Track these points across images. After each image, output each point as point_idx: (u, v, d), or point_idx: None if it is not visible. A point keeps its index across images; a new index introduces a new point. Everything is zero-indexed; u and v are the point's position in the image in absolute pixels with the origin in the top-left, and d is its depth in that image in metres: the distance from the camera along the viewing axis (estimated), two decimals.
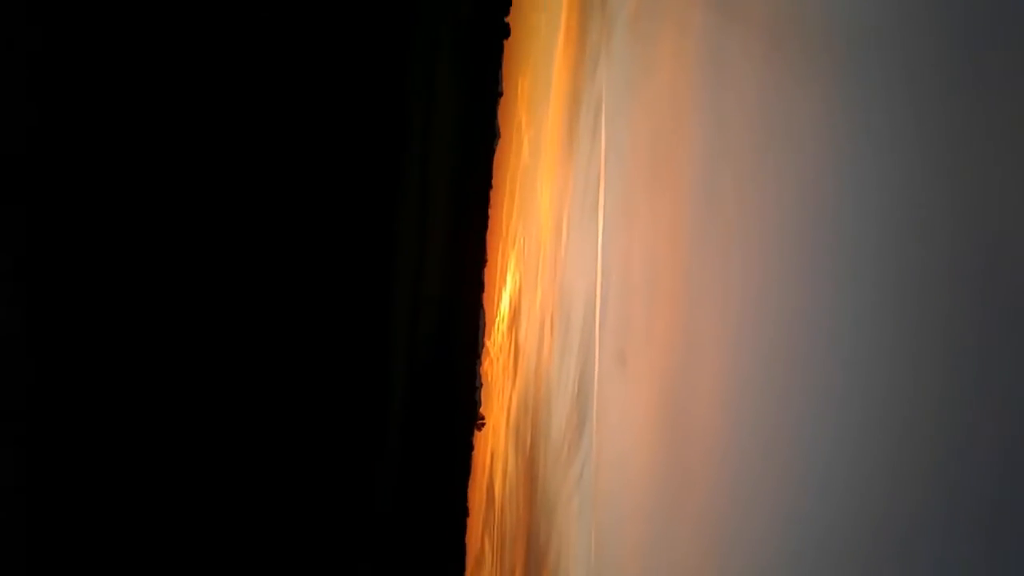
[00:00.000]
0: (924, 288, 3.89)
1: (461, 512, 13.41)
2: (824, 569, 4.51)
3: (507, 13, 12.08)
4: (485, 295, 12.98)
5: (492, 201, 12.79)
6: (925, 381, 3.81)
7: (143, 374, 8.27)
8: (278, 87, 9.55)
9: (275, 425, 9.89)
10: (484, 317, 13.00)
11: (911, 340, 4.00)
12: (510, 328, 12.94)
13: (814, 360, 5.00)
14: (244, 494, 9.49)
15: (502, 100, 12.60)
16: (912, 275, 4.00)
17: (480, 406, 13.19)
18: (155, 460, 8.25)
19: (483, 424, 13.20)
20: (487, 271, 12.88)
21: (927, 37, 4.12)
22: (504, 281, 13.19)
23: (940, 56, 3.99)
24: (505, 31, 12.12)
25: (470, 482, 13.30)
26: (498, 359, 13.26)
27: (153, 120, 8.29)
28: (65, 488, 7.47)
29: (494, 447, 13.20)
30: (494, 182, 12.75)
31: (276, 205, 9.79)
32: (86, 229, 7.98)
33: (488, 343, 13.33)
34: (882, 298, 4.24)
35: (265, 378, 9.72)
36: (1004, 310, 3.39)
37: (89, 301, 7.83)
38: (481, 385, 13.15)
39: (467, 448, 13.10)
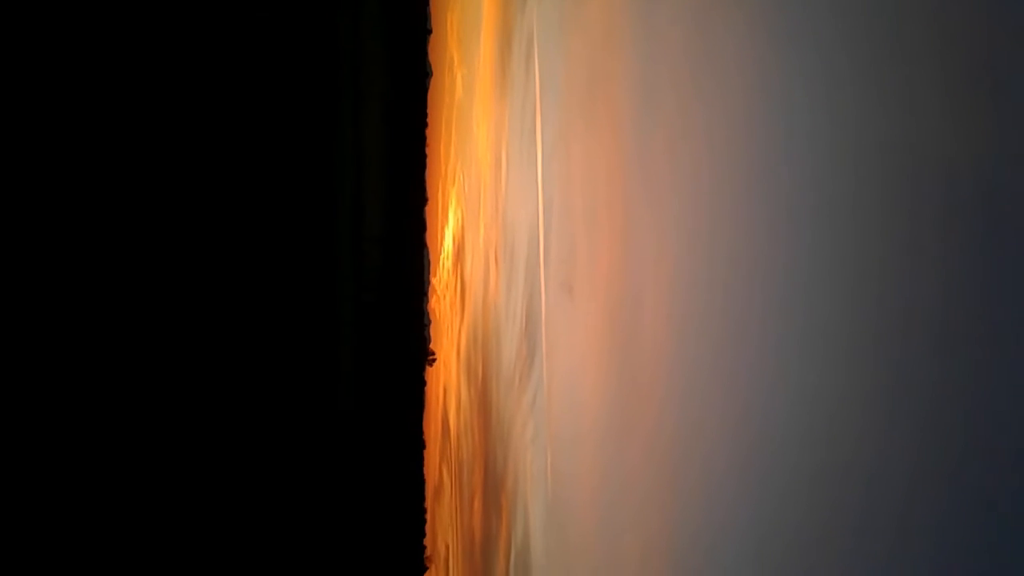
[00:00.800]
0: (855, 213, 4.06)
1: (418, 445, 13.64)
2: (775, 476, 4.73)
3: None
4: (428, 233, 13.01)
5: (428, 140, 12.72)
6: (855, 293, 4.02)
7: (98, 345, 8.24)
8: (210, 39, 9.35)
9: (228, 373, 9.93)
10: (428, 255, 13.05)
11: (840, 252, 4.18)
12: (455, 265, 13.03)
13: (753, 274, 5.16)
14: (203, 446, 9.57)
15: (432, 38, 12.45)
16: (843, 199, 4.18)
17: (430, 342, 13.33)
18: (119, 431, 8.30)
19: (434, 359, 13.36)
20: (428, 209, 12.89)
21: None
22: (446, 218, 13.23)
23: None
24: None
25: (425, 416, 13.51)
26: (445, 296, 13.38)
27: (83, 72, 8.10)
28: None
29: (446, 381, 13.39)
30: (429, 120, 12.65)
31: (215, 151, 9.66)
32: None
33: (434, 281, 13.42)
34: (817, 217, 4.41)
35: (213, 323, 9.72)
36: (921, 228, 3.62)
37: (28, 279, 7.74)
38: (430, 322, 13.28)
39: (420, 383, 13.28)
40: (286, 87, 10.46)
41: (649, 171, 6.99)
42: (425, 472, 13.79)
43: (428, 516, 13.69)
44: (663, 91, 6.73)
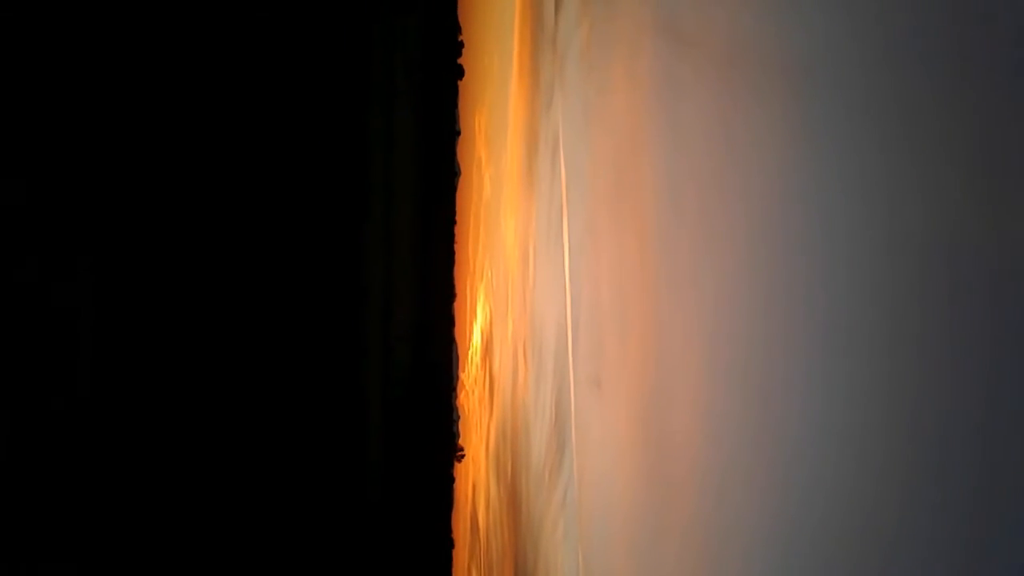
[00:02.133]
0: (896, 297, 4.05)
1: (447, 544, 13.42)
2: (813, 560, 4.63)
3: (459, 55, 12.36)
4: (456, 329, 13.10)
5: (457, 237, 12.96)
6: (902, 379, 3.98)
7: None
8: (240, 140, 9.67)
9: (256, 470, 9.89)
10: (457, 351, 13.11)
11: (886, 344, 4.15)
12: (483, 360, 13.05)
13: (790, 370, 5.13)
14: (228, 549, 9.46)
15: (460, 139, 12.83)
16: (884, 284, 4.18)
17: (459, 438, 13.26)
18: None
19: (463, 455, 13.26)
20: (457, 305, 13.01)
21: (881, 54, 4.34)
22: (475, 314, 13.33)
23: (895, 71, 4.23)
24: (459, 72, 12.40)
25: (454, 514, 13.33)
26: (473, 391, 13.36)
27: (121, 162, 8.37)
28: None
29: (475, 478, 13.25)
30: (458, 218, 12.93)
31: (247, 250, 9.86)
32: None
33: (463, 376, 13.43)
34: (855, 308, 4.40)
35: (245, 424, 9.74)
36: (976, 309, 3.60)
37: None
38: (458, 418, 13.23)
39: (448, 480, 13.15)
40: (317, 187, 10.74)
41: (678, 263, 7.04)
42: (454, 572, 13.51)
43: None
44: (688, 186, 6.84)
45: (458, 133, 12.77)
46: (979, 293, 3.56)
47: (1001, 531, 3.21)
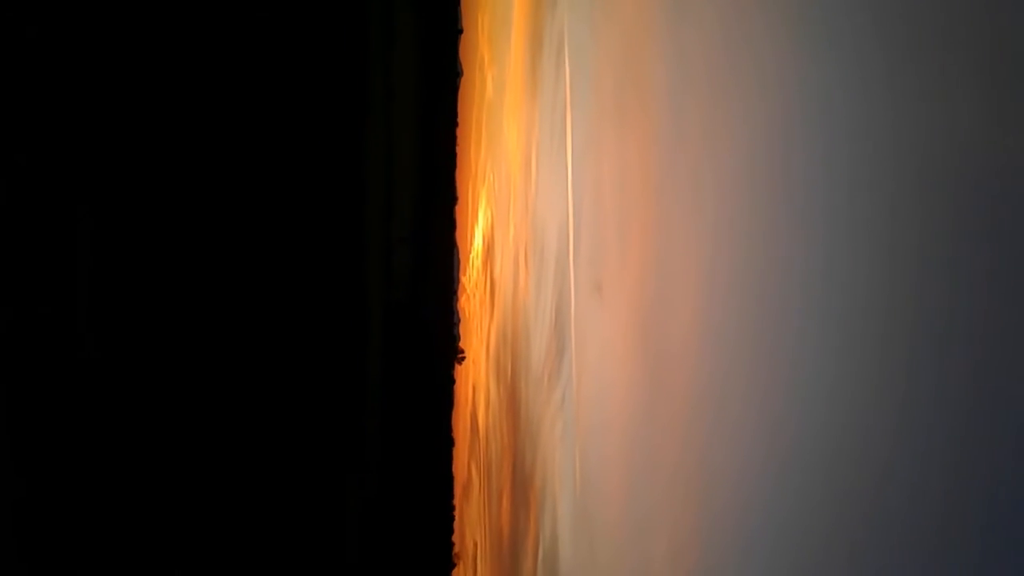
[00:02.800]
0: (895, 215, 4.06)
1: (447, 442, 13.72)
2: (810, 480, 4.73)
3: None
4: (458, 232, 13.08)
5: (459, 139, 12.79)
6: (901, 286, 4.02)
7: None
8: (241, 39, 9.45)
9: (256, 372, 10.05)
10: (458, 254, 13.12)
11: (885, 255, 4.17)
12: (485, 263, 13.10)
13: (788, 281, 5.18)
14: (229, 446, 9.69)
15: (463, 38, 12.51)
16: (884, 194, 4.17)
17: (459, 340, 13.40)
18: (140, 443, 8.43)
19: (463, 357, 13.44)
20: (458, 209, 12.95)
21: None
22: (476, 218, 13.30)
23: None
24: None
25: (454, 414, 13.59)
26: (474, 294, 13.46)
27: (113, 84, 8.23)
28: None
29: (475, 379, 13.48)
30: (460, 120, 12.72)
31: (244, 151, 9.77)
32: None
33: (464, 279, 13.49)
34: (855, 219, 4.41)
35: (243, 320, 9.84)
36: (974, 231, 3.61)
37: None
38: (459, 320, 13.35)
39: (449, 381, 13.35)
40: (316, 86, 10.55)
41: (680, 172, 7.01)
42: (454, 470, 13.87)
43: (457, 514, 13.78)
44: (694, 91, 6.75)
45: (460, 31, 12.44)
46: (981, 212, 3.56)
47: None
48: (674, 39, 7.18)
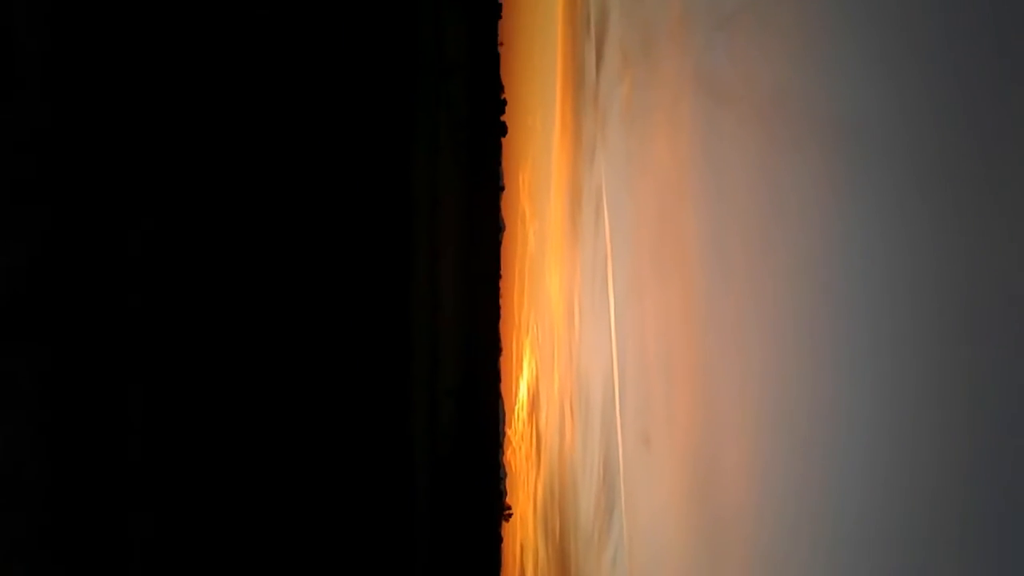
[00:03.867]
0: (942, 343, 3.97)
1: None
2: None
3: (503, 112, 12.53)
4: (502, 384, 13.05)
5: (502, 291, 12.99)
6: (946, 437, 3.88)
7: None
8: (293, 197, 9.83)
9: (308, 526, 9.87)
10: (503, 406, 13.03)
11: (932, 403, 4.06)
12: (530, 416, 12.97)
13: (837, 424, 5.05)
14: None
15: (504, 194, 12.95)
16: (927, 334, 4.09)
17: (506, 496, 13.11)
18: None
19: (510, 514, 13.10)
20: (503, 361, 12.98)
21: (924, 111, 4.30)
22: (520, 369, 13.27)
23: (938, 128, 4.17)
24: (502, 129, 12.55)
25: (501, 573, 13.13)
26: (520, 447, 13.24)
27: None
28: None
29: (523, 537, 13.07)
30: (503, 272, 12.97)
31: (297, 310, 9.96)
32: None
33: (509, 432, 13.33)
34: (899, 361, 4.32)
35: (295, 482, 9.74)
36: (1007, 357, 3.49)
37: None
38: (505, 475, 13.11)
39: (496, 540, 12.98)
40: (364, 242, 10.86)
41: (723, 320, 6.98)
42: None
43: None
44: (732, 240, 6.80)
45: (502, 188, 12.89)
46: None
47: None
48: (712, 189, 7.32)
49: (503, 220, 12.90)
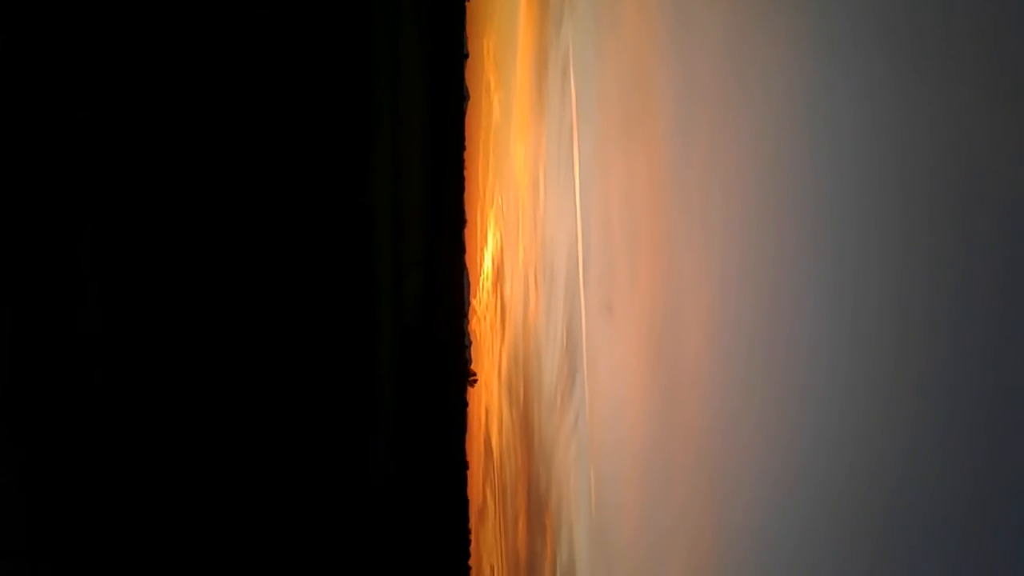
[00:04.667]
0: (905, 218, 4.05)
1: (460, 466, 13.69)
2: (826, 498, 4.68)
3: None
4: (467, 255, 13.12)
5: (466, 162, 12.88)
6: (911, 311, 4.01)
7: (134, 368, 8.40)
8: (245, 59, 9.56)
9: (267, 394, 10.06)
10: (468, 277, 13.15)
11: (894, 270, 4.17)
12: (495, 286, 13.10)
13: (799, 296, 5.17)
14: (241, 470, 9.69)
15: (468, 62, 12.64)
16: (892, 208, 4.17)
17: (471, 363, 13.40)
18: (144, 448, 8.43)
19: (475, 380, 13.43)
20: (467, 231, 13.01)
21: None
22: (485, 240, 13.33)
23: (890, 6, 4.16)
24: None
25: (467, 437, 13.57)
26: (485, 317, 13.45)
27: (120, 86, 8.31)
28: (62, 485, 7.63)
29: (488, 402, 13.44)
30: (467, 143, 12.82)
31: (252, 176, 9.84)
32: (67, 226, 8.02)
33: (474, 302, 13.50)
34: (863, 232, 4.41)
35: (254, 348, 9.87)
36: (982, 233, 3.60)
37: (68, 295, 7.91)
38: (470, 343, 13.35)
39: (461, 404, 13.35)
40: (322, 110, 10.64)
41: (688, 189, 7.03)
42: (469, 493, 13.82)
43: (472, 537, 13.71)
44: (700, 105, 6.77)
45: (466, 56, 12.58)
46: (989, 229, 3.55)
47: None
48: (679, 54, 7.23)
49: (467, 89, 12.66)
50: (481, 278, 13.51)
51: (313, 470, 10.62)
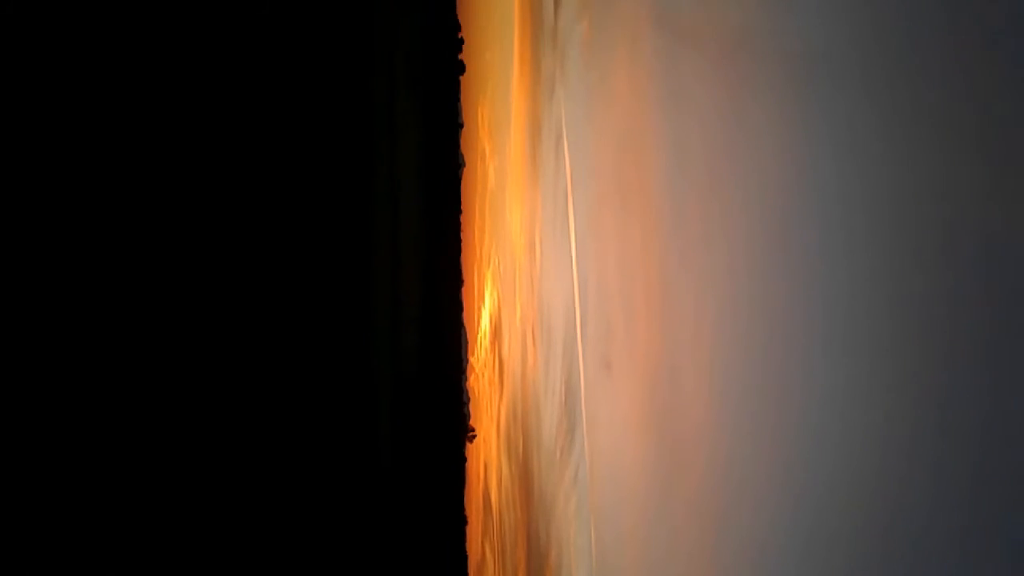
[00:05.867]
0: (895, 279, 4.28)
1: (459, 521, 13.71)
2: (821, 544, 4.86)
3: (460, 51, 12.54)
4: (465, 314, 13.32)
5: (463, 226, 13.18)
6: (904, 365, 4.20)
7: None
8: (247, 137, 9.83)
9: (267, 451, 10.13)
10: (465, 335, 13.34)
11: (885, 329, 4.37)
12: (493, 343, 13.29)
13: (792, 349, 5.35)
14: (237, 523, 9.72)
15: (464, 131, 13.02)
16: (880, 269, 4.40)
17: (469, 419, 13.50)
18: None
19: (474, 436, 13.52)
20: (464, 291, 13.23)
21: (879, 48, 4.52)
22: (483, 300, 13.55)
23: (893, 64, 4.42)
24: (460, 67, 12.58)
25: (466, 492, 13.61)
26: (483, 374, 13.60)
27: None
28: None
29: (487, 457, 13.51)
30: (463, 208, 13.14)
31: (251, 238, 10.04)
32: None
33: (472, 359, 13.66)
34: (854, 290, 4.63)
35: (254, 406, 9.96)
36: (967, 296, 3.83)
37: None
38: (468, 400, 13.48)
39: (460, 460, 13.42)
40: (323, 177, 10.90)
41: (681, 252, 7.23)
42: (468, 548, 13.83)
43: None
44: (689, 177, 7.03)
45: (461, 125, 12.97)
46: (979, 288, 3.79)
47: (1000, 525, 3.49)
48: (670, 123, 7.47)
49: (463, 157, 13.02)
50: (479, 336, 13.71)
51: (311, 526, 10.64)
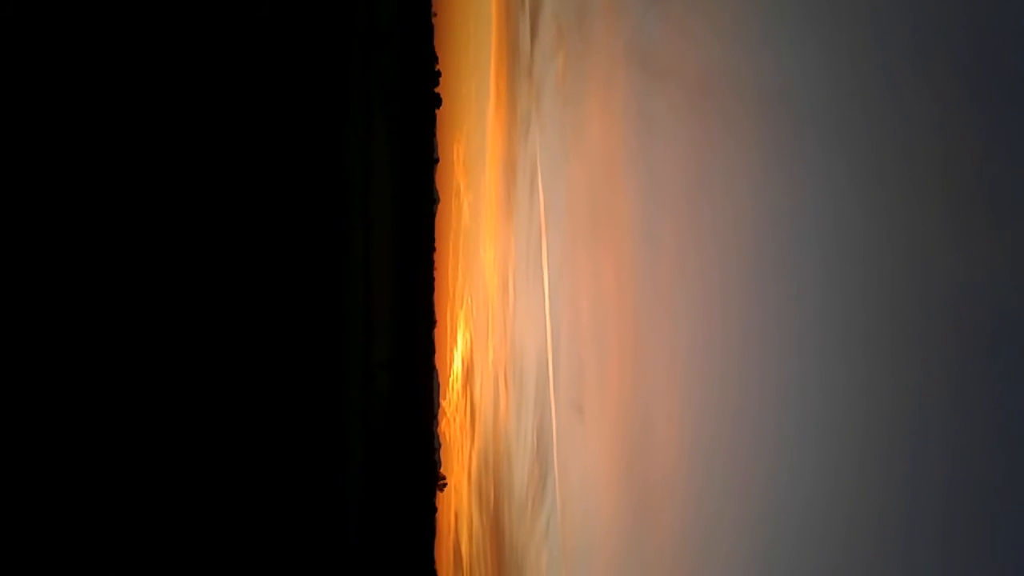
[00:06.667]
0: (865, 309, 4.11)
1: (429, 573, 13.32)
2: None
3: (437, 84, 12.47)
4: (437, 356, 13.08)
5: (436, 264, 13.00)
6: (868, 406, 4.03)
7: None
8: (220, 169, 9.66)
9: (234, 501, 9.80)
10: (437, 378, 13.07)
11: (858, 370, 4.20)
12: (464, 387, 13.04)
13: (763, 392, 5.18)
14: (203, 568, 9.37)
15: (439, 167, 12.92)
16: (851, 300, 4.23)
17: (440, 466, 13.20)
18: None
19: (445, 484, 13.20)
20: (437, 332, 13.01)
21: (851, 84, 4.42)
22: (455, 341, 13.33)
23: (865, 101, 4.30)
24: (436, 101, 12.50)
25: (436, 544, 13.25)
26: (455, 418, 13.33)
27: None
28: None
29: (458, 507, 13.19)
30: (437, 245, 12.97)
31: (223, 278, 9.82)
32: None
33: (444, 404, 13.40)
34: (824, 325, 4.47)
35: (221, 453, 9.66)
36: (935, 323, 3.65)
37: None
38: (440, 446, 13.18)
39: (430, 510, 13.07)
40: (295, 212, 10.73)
41: (654, 292, 7.09)
42: None
43: None
44: (663, 217, 6.90)
45: (436, 161, 12.86)
46: (944, 314, 3.61)
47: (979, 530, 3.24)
48: (644, 160, 7.40)
49: (437, 192, 12.89)
50: (451, 379, 13.46)
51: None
